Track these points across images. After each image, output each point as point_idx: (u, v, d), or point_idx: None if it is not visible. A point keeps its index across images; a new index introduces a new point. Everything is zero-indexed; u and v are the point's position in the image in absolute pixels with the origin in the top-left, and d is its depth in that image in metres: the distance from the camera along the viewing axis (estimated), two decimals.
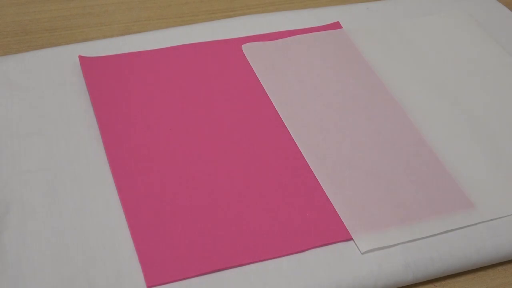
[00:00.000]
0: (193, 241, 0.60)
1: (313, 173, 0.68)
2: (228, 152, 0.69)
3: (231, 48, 0.82)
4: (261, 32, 0.85)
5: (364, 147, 0.71)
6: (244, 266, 0.59)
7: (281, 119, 0.73)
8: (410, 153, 0.71)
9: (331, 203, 0.65)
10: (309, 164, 0.69)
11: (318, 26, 0.87)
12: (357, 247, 0.61)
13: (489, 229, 0.64)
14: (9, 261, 0.57)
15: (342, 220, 0.63)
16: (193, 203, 0.64)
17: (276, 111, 0.75)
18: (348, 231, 0.62)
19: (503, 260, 0.64)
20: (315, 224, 0.63)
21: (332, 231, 0.63)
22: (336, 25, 0.87)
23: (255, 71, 0.79)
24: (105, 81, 0.75)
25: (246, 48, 0.82)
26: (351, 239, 0.62)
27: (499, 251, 0.63)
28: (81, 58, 0.78)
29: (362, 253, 0.61)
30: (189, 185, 0.66)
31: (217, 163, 0.68)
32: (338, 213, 0.64)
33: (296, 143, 0.71)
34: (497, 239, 0.63)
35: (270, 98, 0.76)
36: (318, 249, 0.61)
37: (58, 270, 0.57)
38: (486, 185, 0.68)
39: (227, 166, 0.68)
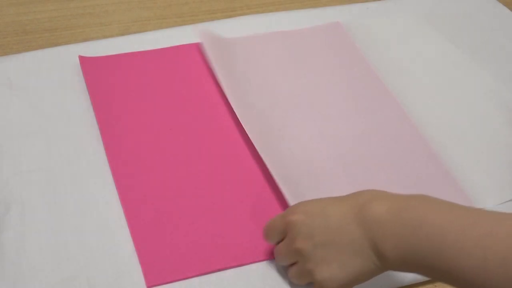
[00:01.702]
0: (193, 241, 0.60)
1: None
2: (228, 152, 0.69)
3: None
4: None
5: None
6: (244, 266, 0.59)
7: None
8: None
9: None
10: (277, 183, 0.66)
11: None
12: None
13: None
14: (9, 261, 0.57)
15: None
16: (193, 203, 0.64)
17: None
18: None
19: None
20: None
21: None
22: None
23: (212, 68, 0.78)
24: (105, 81, 0.75)
25: (205, 43, 0.80)
26: None
27: None
28: (81, 58, 0.78)
29: None
30: (189, 185, 0.66)
31: (217, 163, 0.68)
32: None
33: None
34: None
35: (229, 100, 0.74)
36: None
37: (58, 269, 0.57)
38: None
39: (227, 166, 0.68)
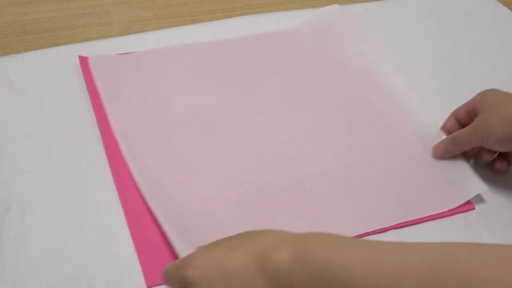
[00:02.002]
0: None
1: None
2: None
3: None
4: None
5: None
6: None
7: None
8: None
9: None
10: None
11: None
12: None
13: (489, 229, 0.64)
14: (9, 261, 0.57)
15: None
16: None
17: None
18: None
19: None
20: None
21: None
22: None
23: (97, 86, 0.74)
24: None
25: (93, 60, 0.77)
26: None
27: None
28: (81, 58, 0.78)
29: None
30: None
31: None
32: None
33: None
34: (497, 239, 0.63)
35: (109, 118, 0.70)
36: None
37: (58, 269, 0.57)
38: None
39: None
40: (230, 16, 0.90)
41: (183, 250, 0.56)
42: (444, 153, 0.67)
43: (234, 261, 0.48)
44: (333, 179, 0.66)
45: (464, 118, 0.69)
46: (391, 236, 0.62)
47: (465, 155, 0.69)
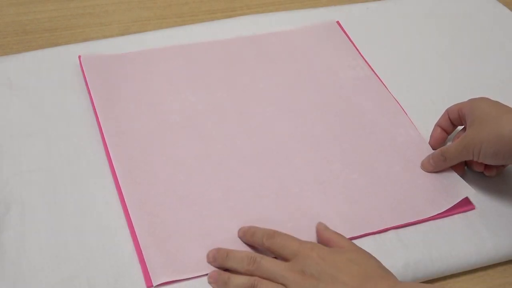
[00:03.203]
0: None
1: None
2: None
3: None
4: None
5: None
6: None
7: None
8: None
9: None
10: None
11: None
12: None
13: (489, 229, 0.64)
14: (9, 261, 0.57)
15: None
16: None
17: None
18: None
19: (503, 260, 0.64)
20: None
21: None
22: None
23: (88, 85, 0.74)
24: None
25: (84, 59, 0.77)
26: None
27: (499, 251, 0.63)
28: (81, 57, 0.77)
29: None
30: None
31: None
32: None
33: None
34: (497, 239, 0.63)
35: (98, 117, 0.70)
36: None
37: (58, 269, 0.57)
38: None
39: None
40: (230, 16, 0.90)
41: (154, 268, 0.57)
42: (435, 168, 0.68)
43: None
44: (323, 182, 0.66)
45: (456, 120, 0.70)
46: (390, 236, 0.62)
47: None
